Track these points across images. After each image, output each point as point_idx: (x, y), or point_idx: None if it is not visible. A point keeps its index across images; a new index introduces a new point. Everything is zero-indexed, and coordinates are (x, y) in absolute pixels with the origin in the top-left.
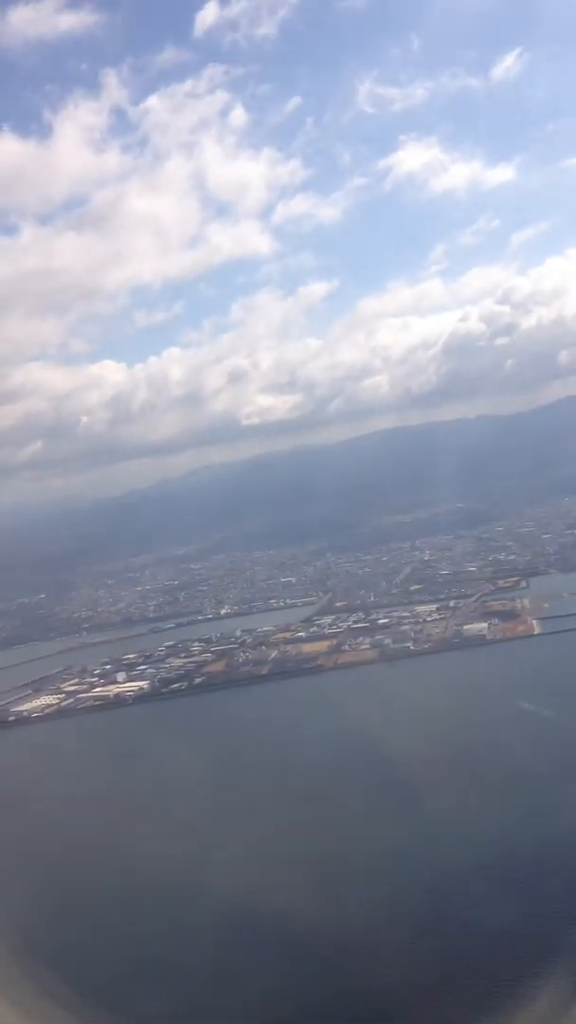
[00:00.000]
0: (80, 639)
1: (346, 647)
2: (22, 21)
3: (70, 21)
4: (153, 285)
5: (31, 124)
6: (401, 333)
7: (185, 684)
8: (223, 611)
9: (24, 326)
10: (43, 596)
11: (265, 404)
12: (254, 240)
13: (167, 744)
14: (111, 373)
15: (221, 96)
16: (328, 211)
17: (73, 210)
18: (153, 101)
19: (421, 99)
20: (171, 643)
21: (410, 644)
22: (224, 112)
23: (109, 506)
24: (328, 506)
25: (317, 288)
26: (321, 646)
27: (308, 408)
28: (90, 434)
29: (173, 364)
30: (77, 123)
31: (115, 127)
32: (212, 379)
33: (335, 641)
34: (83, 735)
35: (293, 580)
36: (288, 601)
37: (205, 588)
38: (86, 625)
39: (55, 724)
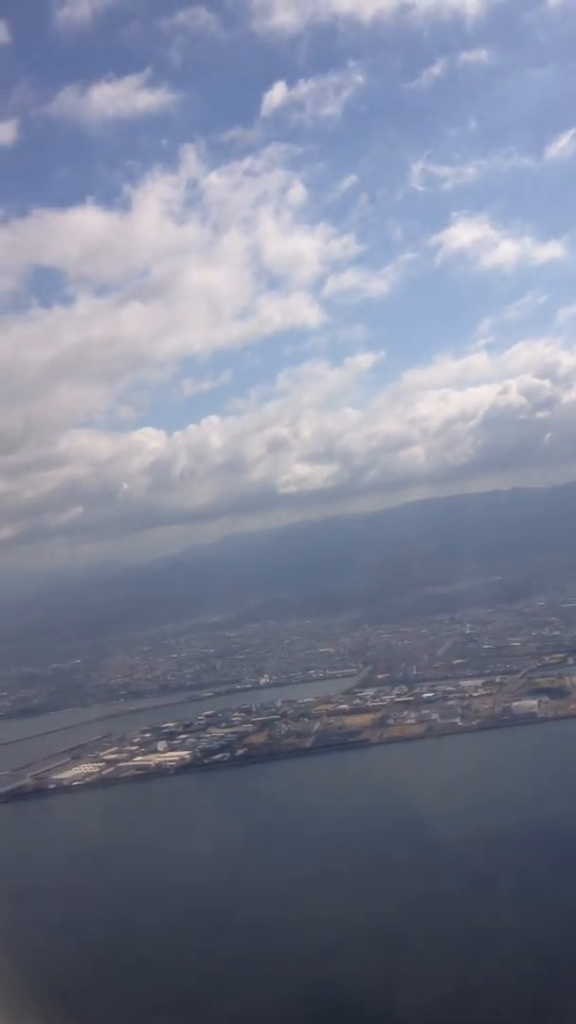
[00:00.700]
0: (118, 706)
1: (391, 721)
2: (103, 99)
3: (148, 99)
4: (202, 355)
5: (104, 198)
6: (442, 405)
7: (227, 755)
8: (262, 680)
9: (77, 392)
10: (78, 662)
11: (303, 473)
12: (303, 312)
13: (212, 819)
14: (151, 440)
15: (282, 173)
16: (378, 285)
17: (134, 281)
18: (215, 178)
19: (474, 177)
20: (210, 712)
21: (458, 720)
22: (283, 188)
23: (140, 572)
24: (363, 576)
25: (363, 359)
26: (365, 719)
27: (344, 478)
28: (127, 500)
29: (213, 432)
30: (147, 198)
31: (179, 203)
32: (252, 448)
33: (379, 714)
34: (124, 806)
35: (331, 651)
36: (328, 672)
37: (242, 657)
38: (123, 692)
39: (96, 794)
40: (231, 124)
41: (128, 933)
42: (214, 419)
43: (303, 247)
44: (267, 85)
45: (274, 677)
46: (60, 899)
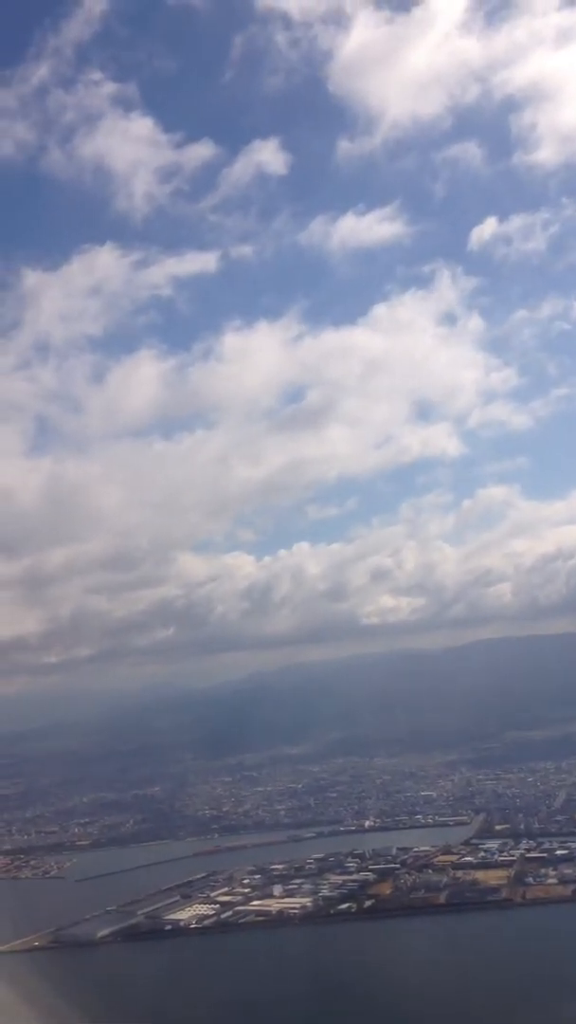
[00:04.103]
0: (213, 842)
1: (530, 879)
2: (346, 230)
3: (383, 231)
4: (331, 481)
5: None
6: (543, 541)
7: (354, 906)
8: (366, 823)
9: (210, 514)
10: (158, 789)
11: (387, 605)
12: (442, 442)
13: (389, 982)
14: (242, 565)
15: (461, 306)
16: (521, 418)
17: (291, 405)
18: (400, 310)
19: None
20: (319, 856)
21: None
22: (460, 318)
23: (204, 697)
24: (444, 715)
25: (494, 492)
26: (499, 875)
27: (428, 612)
28: (202, 624)
29: (304, 559)
30: (327, 322)
31: (358, 330)
32: (340, 576)
33: (513, 871)
34: (266, 955)
35: (433, 795)
36: (437, 818)
37: (335, 795)
38: (215, 826)
39: (222, 939)
40: (434, 256)
41: None
42: (304, 546)
43: (464, 379)
44: (478, 219)
45: (379, 820)
46: None
